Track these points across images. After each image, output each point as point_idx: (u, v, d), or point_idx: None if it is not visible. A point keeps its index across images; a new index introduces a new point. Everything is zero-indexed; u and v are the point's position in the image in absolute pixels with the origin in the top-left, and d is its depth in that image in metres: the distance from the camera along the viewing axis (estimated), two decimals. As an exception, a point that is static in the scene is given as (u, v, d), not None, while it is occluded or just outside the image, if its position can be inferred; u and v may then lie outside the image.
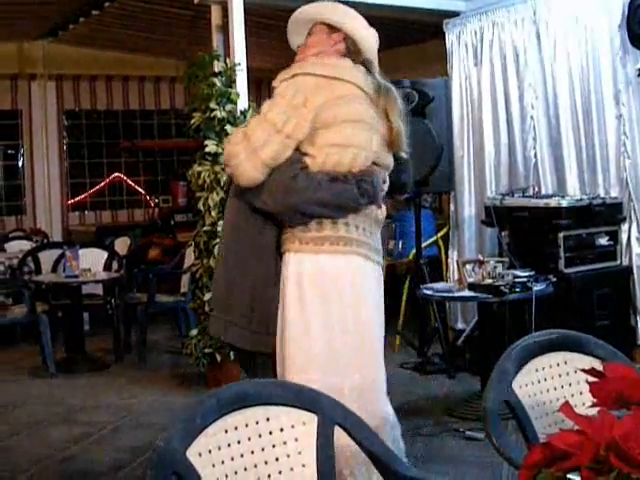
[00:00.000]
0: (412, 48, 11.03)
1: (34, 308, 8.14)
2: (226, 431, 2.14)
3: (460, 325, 8.17)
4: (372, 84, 3.47)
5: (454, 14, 8.26)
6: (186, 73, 7.39)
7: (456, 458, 5.40)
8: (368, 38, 3.59)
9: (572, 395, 2.72)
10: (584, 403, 2.62)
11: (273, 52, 9.13)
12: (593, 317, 6.41)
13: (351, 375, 3.33)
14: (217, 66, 7.17)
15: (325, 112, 3.32)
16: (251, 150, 3.33)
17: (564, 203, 6.59)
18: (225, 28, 7.56)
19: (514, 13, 7.59)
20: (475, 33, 7.97)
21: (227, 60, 7.17)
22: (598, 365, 2.63)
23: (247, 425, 2.18)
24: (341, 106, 3.35)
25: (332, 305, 3.32)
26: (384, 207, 3.53)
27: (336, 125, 3.33)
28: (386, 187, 3.50)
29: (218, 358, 7.01)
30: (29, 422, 6.47)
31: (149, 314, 8.72)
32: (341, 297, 3.33)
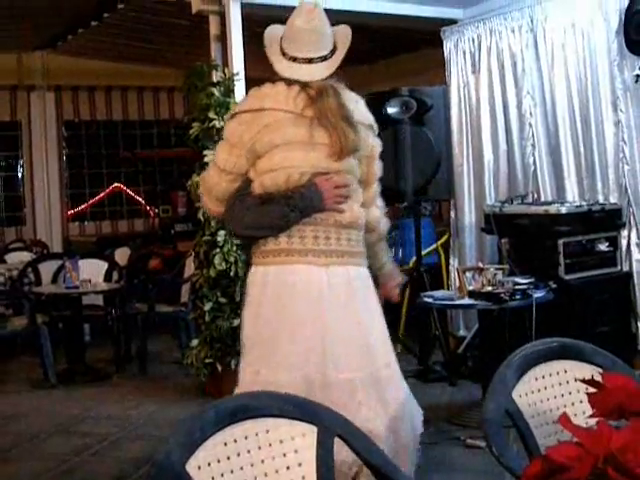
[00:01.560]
0: (410, 56, 11.05)
1: (34, 319, 8.14)
2: (225, 444, 2.13)
3: (462, 332, 8.16)
4: (303, 99, 3.55)
5: (451, 22, 8.27)
6: (185, 83, 7.40)
7: (457, 466, 5.39)
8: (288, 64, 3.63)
9: (572, 404, 2.71)
10: (584, 412, 2.62)
11: (271, 61, 9.12)
12: (593, 323, 6.40)
13: (287, 372, 3.48)
14: (215, 76, 7.18)
15: (257, 144, 3.56)
16: (207, 190, 3.76)
17: (563, 210, 6.59)
18: (223, 38, 7.57)
19: (511, 21, 7.61)
20: (473, 41, 7.98)
21: (225, 70, 7.18)
22: (598, 374, 2.63)
23: (247, 437, 2.17)
24: (269, 134, 3.54)
25: (265, 312, 3.58)
26: (355, 209, 3.62)
27: (267, 153, 3.55)
28: (345, 191, 3.58)
29: (219, 368, 7.00)
30: (30, 434, 6.46)
31: (149, 324, 8.72)
32: (274, 303, 3.56)
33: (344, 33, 3.72)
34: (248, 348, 3.64)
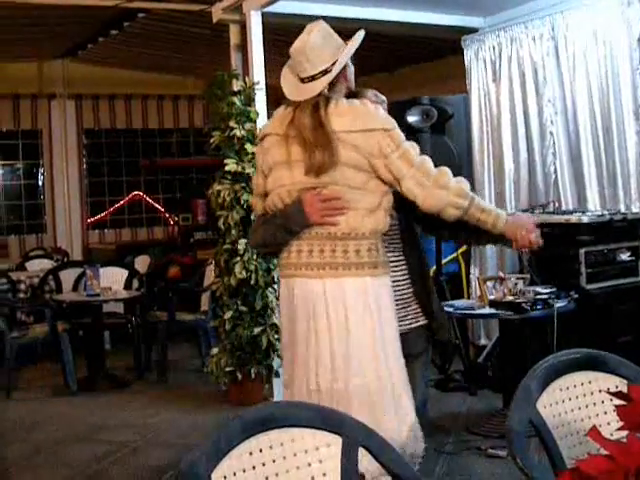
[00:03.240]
0: (431, 64, 11.05)
1: (55, 327, 8.17)
2: (251, 453, 2.13)
3: (483, 341, 8.14)
4: (288, 119, 3.69)
5: (472, 30, 8.26)
6: (205, 92, 7.43)
7: (478, 476, 5.37)
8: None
9: (597, 415, 2.70)
10: (609, 423, 2.61)
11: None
12: (615, 333, 6.36)
13: (297, 380, 3.71)
14: (236, 85, 7.19)
15: (263, 168, 3.82)
16: (253, 211, 4.14)
17: (585, 219, 6.55)
18: (244, 47, 7.58)
19: (532, 29, 7.59)
20: (493, 49, 7.97)
21: (246, 79, 7.20)
22: (623, 385, 2.62)
23: (272, 447, 2.17)
24: (266, 158, 3.78)
25: (283, 321, 3.83)
26: (352, 219, 3.61)
27: (267, 176, 3.79)
28: (337, 203, 3.60)
29: (239, 376, 7.01)
30: (51, 441, 6.49)
31: (170, 332, 8.73)
32: (285, 314, 3.78)
33: (353, 38, 3.73)
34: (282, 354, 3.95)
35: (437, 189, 3.64)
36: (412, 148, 3.65)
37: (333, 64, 3.63)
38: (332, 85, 3.65)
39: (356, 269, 3.60)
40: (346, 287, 3.59)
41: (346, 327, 3.57)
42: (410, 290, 4.09)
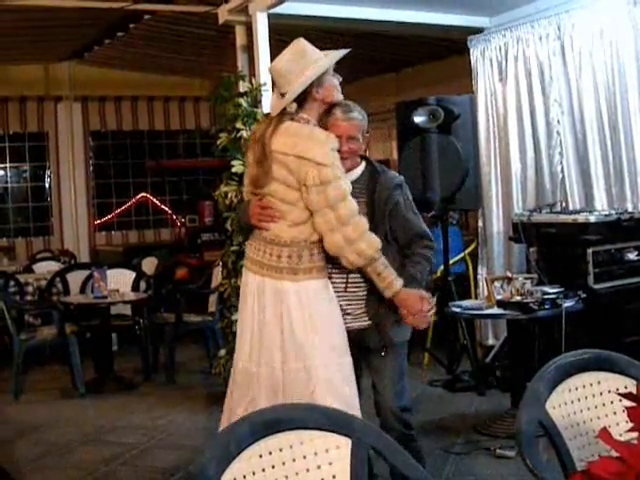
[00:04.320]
0: (437, 64, 11.04)
1: (63, 329, 8.16)
2: (260, 456, 2.13)
3: (491, 341, 8.13)
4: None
5: (478, 30, 8.25)
6: (212, 94, 7.42)
7: (487, 477, 5.36)
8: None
9: (606, 415, 2.69)
10: (618, 423, 2.60)
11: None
12: (623, 333, 6.35)
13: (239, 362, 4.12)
14: (242, 86, 7.19)
15: None
16: None
17: (592, 218, 6.53)
18: (250, 48, 7.58)
19: (538, 28, 7.58)
20: (500, 49, 7.96)
21: (252, 80, 7.19)
22: (632, 386, 2.61)
23: (281, 450, 2.18)
24: None
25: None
26: (279, 228, 4.00)
27: None
28: (272, 211, 4.00)
29: (247, 378, 6.99)
30: (59, 443, 6.48)
31: (177, 334, 8.72)
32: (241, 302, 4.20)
33: (324, 57, 4.03)
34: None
35: (341, 238, 3.93)
36: (334, 190, 3.89)
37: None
38: (301, 102, 3.98)
39: (275, 272, 3.99)
40: (266, 286, 4.00)
41: (261, 320, 3.99)
42: (365, 292, 4.21)
